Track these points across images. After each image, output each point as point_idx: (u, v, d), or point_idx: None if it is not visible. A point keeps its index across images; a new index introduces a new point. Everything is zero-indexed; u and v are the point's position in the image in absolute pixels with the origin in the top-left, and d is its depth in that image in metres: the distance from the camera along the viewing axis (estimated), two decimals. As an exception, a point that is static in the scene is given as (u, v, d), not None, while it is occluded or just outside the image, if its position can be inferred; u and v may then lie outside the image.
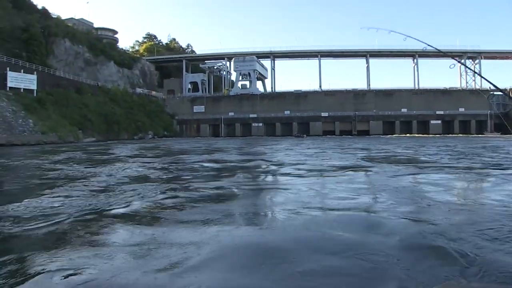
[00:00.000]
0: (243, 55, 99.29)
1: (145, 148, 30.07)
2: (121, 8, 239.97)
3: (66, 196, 6.79)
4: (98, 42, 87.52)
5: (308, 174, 10.46)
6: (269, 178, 10.64)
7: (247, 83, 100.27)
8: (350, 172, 10.98)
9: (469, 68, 66.94)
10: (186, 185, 8.40)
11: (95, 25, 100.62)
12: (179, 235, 4.32)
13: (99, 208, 5.80)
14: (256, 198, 7.04)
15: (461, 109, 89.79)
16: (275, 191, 7.59)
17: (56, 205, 5.99)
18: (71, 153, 22.88)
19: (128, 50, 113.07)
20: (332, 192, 7.42)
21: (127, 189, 7.71)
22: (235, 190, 7.62)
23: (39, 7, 73.25)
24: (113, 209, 5.76)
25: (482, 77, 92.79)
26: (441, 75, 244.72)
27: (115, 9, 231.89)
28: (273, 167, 12.85)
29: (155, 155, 21.08)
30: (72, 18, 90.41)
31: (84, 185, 8.32)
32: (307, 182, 8.91)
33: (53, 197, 6.70)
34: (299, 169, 11.50)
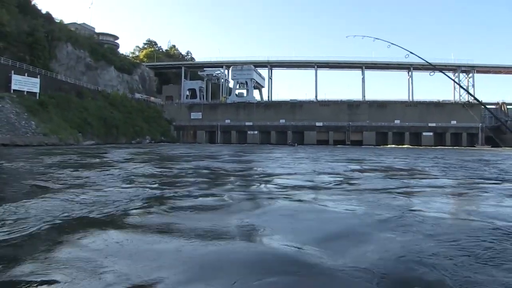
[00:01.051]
0: (241, 63, 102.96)
1: (139, 153, 30.55)
2: (122, 13, 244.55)
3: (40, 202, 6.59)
4: (99, 47, 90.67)
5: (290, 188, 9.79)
6: (253, 187, 9.90)
7: (244, 91, 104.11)
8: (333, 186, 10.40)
9: (455, 82, 68.54)
10: (165, 193, 8.04)
11: (97, 30, 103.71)
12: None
13: (66, 214, 5.58)
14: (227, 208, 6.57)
15: (453, 122, 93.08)
16: (252, 203, 7.05)
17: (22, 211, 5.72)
18: (67, 156, 23.46)
19: (128, 56, 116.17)
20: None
21: (102, 194, 7.49)
22: (211, 201, 7.26)
23: (43, 11, 75.98)
24: (82, 215, 5.53)
25: (468, 92, 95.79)
26: (435, 88, 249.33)
27: (117, 15, 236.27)
28: (260, 177, 12.46)
29: (145, 160, 20.97)
30: (74, 23, 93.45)
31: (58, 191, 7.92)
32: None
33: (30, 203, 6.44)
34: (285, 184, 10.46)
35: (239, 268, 3.41)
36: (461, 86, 12.54)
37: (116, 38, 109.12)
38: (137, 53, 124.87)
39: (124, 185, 9.04)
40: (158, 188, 8.77)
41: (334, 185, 10.17)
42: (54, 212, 5.65)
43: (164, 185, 9.42)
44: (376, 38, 6.28)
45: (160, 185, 9.29)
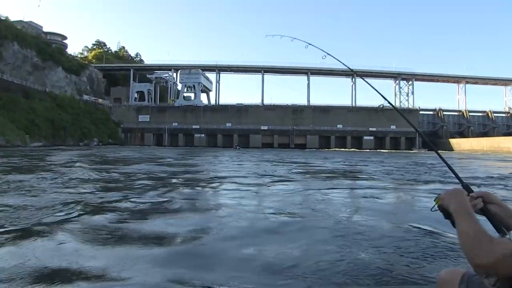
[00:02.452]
0: (190, 67, 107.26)
1: (84, 155, 30.69)
2: (71, 13, 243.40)
3: None
4: (47, 47, 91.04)
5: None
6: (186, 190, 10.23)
7: (192, 95, 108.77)
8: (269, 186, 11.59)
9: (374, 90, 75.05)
10: (94, 198, 8.15)
11: (44, 29, 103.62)
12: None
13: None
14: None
15: (393, 127, 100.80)
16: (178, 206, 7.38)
17: None
18: (8, 158, 23.48)
19: (76, 56, 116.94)
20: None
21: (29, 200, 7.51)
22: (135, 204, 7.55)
23: (-12, 8, 76.14)
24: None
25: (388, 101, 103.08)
26: (377, 94, 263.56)
27: (65, 14, 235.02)
28: (195, 182, 12.63)
29: (88, 163, 20.62)
30: (21, 21, 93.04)
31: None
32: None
33: None
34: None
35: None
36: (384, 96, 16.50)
37: (65, 38, 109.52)
38: (85, 53, 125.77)
39: (55, 191, 8.94)
40: (91, 193, 8.79)
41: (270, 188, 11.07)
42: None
43: (98, 190, 9.41)
44: (294, 38, 5.69)
45: (94, 190, 9.29)
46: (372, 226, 5.84)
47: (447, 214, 1.67)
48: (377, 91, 2.77)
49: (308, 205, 7.98)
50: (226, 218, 6.38)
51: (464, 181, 1.85)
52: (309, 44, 4.35)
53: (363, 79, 3.30)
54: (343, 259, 4.09)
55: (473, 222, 1.43)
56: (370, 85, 2.89)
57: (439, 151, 2.32)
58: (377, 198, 9.21)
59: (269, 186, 11.48)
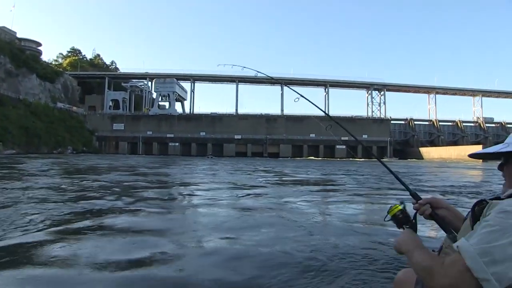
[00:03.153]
0: (165, 76, 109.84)
1: (57, 163, 30.61)
2: (46, 19, 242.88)
3: None
4: (21, 53, 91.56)
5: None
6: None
7: (167, 104, 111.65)
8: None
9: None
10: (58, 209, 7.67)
11: (18, 35, 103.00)
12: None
13: None
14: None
15: (364, 136, 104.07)
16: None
17: None
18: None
19: (51, 63, 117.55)
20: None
21: None
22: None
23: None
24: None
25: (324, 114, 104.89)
26: (351, 104, 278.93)
27: (40, 20, 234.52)
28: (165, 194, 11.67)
29: (58, 172, 20.03)
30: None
31: None
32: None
33: None
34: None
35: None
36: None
37: (39, 44, 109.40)
38: (60, 60, 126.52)
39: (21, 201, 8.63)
40: (57, 202, 8.58)
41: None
42: None
43: (62, 201, 9.01)
44: (244, 67, 5.67)
45: (58, 201, 8.95)
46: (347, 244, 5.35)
47: (399, 225, 1.85)
48: (316, 105, 3.05)
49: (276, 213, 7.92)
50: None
51: (413, 189, 2.00)
52: (258, 72, 4.47)
53: (293, 89, 3.64)
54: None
55: (423, 253, 1.51)
56: (303, 96, 3.27)
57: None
58: (342, 207, 9.37)
59: (239, 198, 10.91)
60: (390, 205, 1.89)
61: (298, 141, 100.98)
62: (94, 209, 7.75)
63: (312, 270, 3.96)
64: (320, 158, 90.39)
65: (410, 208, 1.91)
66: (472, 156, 1.72)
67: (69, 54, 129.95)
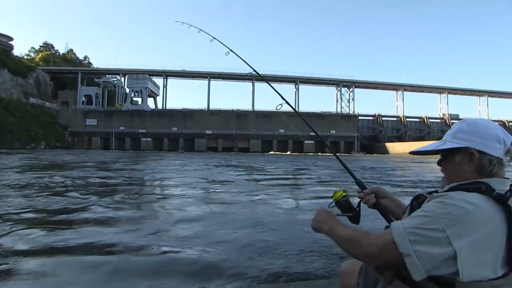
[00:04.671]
0: (137, 72, 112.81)
1: (27, 158, 31.05)
2: (17, 14, 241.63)
3: None
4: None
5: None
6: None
7: (139, 99, 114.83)
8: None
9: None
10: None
11: None
12: None
13: None
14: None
15: (333, 131, 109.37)
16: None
17: None
18: None
19: (23, 58, 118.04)
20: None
21: None
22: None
23: None
24: None
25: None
26: (321, 101, 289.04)
27: (11, 15, 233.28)
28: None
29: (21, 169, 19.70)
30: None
31: None
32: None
33: None
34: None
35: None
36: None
37: (11, 39, 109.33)
38: (32, 55, 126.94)
39: None
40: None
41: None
42: None
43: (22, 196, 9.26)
44: (201, 30, 4.82)
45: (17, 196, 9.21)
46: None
47: (343, 211, 1.93)
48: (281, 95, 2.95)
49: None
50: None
51: (358, 178, 2.12)
52: (214, 38, 4.37)
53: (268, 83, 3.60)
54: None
55: (345, 227, 1.60)
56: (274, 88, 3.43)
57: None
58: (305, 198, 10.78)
59: (209, 191, 11.91)
60: (334, 191, 2.01)
61: (268, 136, 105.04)
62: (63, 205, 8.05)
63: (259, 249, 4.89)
64: (288, 153, 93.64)
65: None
66: (413, 153, 1.80)
67: (42, 49, 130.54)
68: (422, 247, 1.32)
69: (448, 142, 1.56)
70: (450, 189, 1.48)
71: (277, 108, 2.91)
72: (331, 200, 1.96)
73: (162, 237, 5.49)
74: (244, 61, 3.57)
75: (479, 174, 1.48)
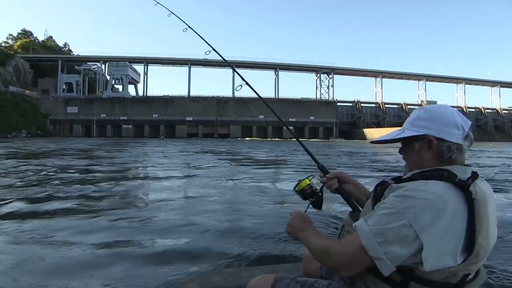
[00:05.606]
0: (118, 59, 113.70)
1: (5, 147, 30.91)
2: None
3: None
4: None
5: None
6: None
7: (120, 87, 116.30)
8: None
9: None
10: None
11: None
12: None
13: None
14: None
15: (312, 118, 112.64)
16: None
17: None
18: None
19: (1, 45, 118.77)
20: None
21: None
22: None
23: None
24: None
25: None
26: (300, 87, 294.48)
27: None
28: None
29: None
30: None
31: None
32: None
33: None
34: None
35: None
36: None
37: None
38: (10, 41, 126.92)
39: None
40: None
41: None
42: None
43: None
44: (158, 3, 4.57)
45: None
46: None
47: (304, 197, 1.96)
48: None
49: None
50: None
51: (321, 163, 2.13)
52: (171, 12, 4.15)
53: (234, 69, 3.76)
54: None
55: (317, 236, 1.60)
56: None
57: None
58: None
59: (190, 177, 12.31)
60: (299, 180, 2.00)
61: (248, 122, 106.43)
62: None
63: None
64: (268, 139, 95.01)
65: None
66: (374, 142, 1.78)
67: (20, 36, 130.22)
68: (392, 248, 1.34)
69: (407, 130, 1.60)
70: (412, 177, 1.51)
71: (237, 89, 3.07)
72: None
73: (144, 225, 5.55)
74: (202, 38, 3.57)
75: (438, 161, 1.52)
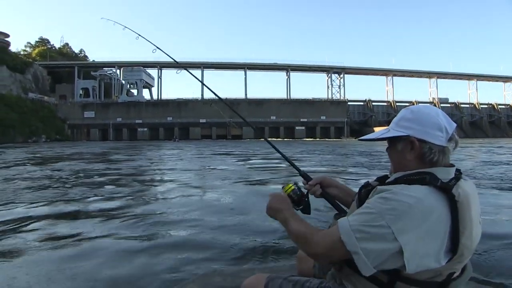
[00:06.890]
0: (132, 64, 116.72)
1: (31, 152, 31.72)
2: (11, 10, 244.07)
3: None
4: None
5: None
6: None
7: (135, 91, 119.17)
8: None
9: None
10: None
11: None
12: None
13: None
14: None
15: (323, 117, 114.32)
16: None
17: None
18: None
19: (20, 53, 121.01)
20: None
21: None
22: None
23: None
24: None
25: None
26: (311, 87, 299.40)
27: (6, 11, 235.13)
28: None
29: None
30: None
31: None
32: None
33: None
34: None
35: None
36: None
37: (7, 36, 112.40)
38: (28, 49, 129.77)
39: None
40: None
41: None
42: None
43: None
44: (125, 27, 4.49)
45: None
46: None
47: (293, 204, 1.88)
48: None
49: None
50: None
51: (302, 169, 2.11)
52: (139, 35, 4.16)
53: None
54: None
55: (299, 222, 1.61)
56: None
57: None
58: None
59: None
60: (283, 185, 1.96)
61: (260, 123, 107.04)
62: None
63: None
64: (280, 139, 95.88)
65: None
66: (361, 140, 1.76)
67: (38, 44, 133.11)
68: (369, 244, 1.35)
69: (392, 130, 1.60)
70: (396, 180, 1.53)
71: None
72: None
73: (163, 224, 5.80)
74: (171, 58, 3.65)
75: (420, 162, 1.52)
